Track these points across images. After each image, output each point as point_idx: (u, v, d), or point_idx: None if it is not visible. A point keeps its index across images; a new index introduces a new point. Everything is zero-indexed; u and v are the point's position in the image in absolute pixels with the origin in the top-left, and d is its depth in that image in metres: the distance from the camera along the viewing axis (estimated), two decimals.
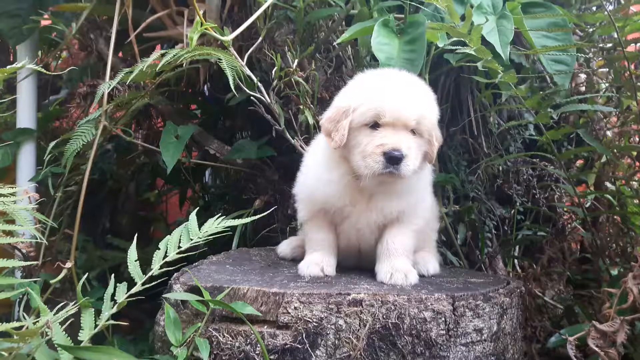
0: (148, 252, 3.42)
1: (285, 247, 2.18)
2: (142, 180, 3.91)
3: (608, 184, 2.36)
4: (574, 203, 2.48)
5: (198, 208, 3.67)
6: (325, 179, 1.81)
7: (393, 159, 1.63)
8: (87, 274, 3.31)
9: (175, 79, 2.92)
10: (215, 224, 1.60)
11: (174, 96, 3.42)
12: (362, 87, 1.77)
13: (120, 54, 3.28)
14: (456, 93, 2.92)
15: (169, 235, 1.61)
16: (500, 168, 2.91)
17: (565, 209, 2.60)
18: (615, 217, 2.30)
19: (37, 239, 2.79)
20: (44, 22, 3.18)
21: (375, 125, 1.69)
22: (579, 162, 2.98)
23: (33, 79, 3.24)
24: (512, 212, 3.04)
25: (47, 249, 2.87)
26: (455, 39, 2.02)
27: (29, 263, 1.58)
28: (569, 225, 2.59)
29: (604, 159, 2.49)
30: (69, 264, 2.30)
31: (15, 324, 1.21)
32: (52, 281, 2.29)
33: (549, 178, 2.80)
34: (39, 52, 3.63)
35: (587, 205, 2.64)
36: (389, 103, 1.67)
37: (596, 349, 1.42)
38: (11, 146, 3.16)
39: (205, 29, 1.96)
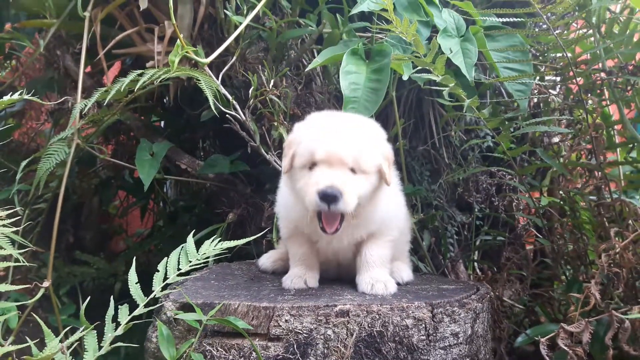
0: (115, 266, 3.42)
1: (265, 261, 2.25)
2: (106, 194, 3.88)
3: (561, 192, 2.55)
4: (530, 211, 2.66)
5: (171, 223, 3.68)
6: (295, 207, 1.88)
7: (327, 197, 1.63)
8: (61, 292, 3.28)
9: (145, 95, 2.94)
10: (213, 246, 1.65)
11: (139, 109, 3.44)
12: (306, 125, 1.83)
13: (87, 69, 3.27)
14: (418, 107, 3.08)
15: (166, 257, 1.66)
16: (461, 177, 3.08)
17: (522, 216, 2.79)
18: (568, 223, 2.49)
19: (4, 258, 2.76)
20: None
21: (313, 166, 1.72)
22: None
23: None
24: (472, 218, 3.23)
25: (15, 268, 2.82)
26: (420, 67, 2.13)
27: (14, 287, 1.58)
28: (524, 231, 2.77)
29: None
30: (46, 283, 2.30)
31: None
32: (28, 302, 2.27)
33: (507, 187, 2.99)
34: None
35: (541, 212, 2.85)
36: (323, 140, 1.70)
37: (565, 347, 1.57)
38: None
39: (186, 52, 2.01)
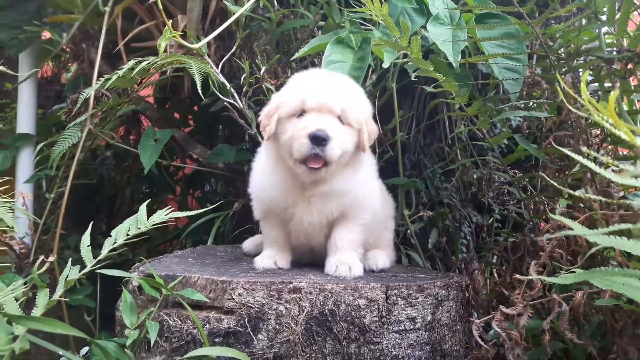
0: (138, 253, 3.55)
1: (249, 244, 2.29)
2: (137, 186, 4.05)
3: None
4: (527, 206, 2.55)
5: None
6: (268, 181, 1.92)
7: (317, 139, 1.70)
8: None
9: (161, 86, 3.07)
10: (163, 215, 1.72)
11: (171, 104, 3.58)
12: (292, 83, 1.89)
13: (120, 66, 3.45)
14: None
15: (120, 225, 1.74)
16: (475, 176, 2.99)
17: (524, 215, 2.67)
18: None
19: (29, 237, 2.96)
20: (46, 34, 3.39)
21: (302, 114, 1.78)
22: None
23: (33, 87, 3.41)
24: (491, 220, 3.12)
25: (39, 247, 3.02)
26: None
27: None
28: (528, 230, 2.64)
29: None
30: (51, 258, 2.44)
31: None
32: (33, 274, 2.42)
33: (518, 184, 2.86)
34: (50, 63, 3.87)
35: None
36: (314, 89, 1.78)
37: (499, 330, 1.49)
38: (11, 150, 3.34)
39: (173, 37, 2.10)
